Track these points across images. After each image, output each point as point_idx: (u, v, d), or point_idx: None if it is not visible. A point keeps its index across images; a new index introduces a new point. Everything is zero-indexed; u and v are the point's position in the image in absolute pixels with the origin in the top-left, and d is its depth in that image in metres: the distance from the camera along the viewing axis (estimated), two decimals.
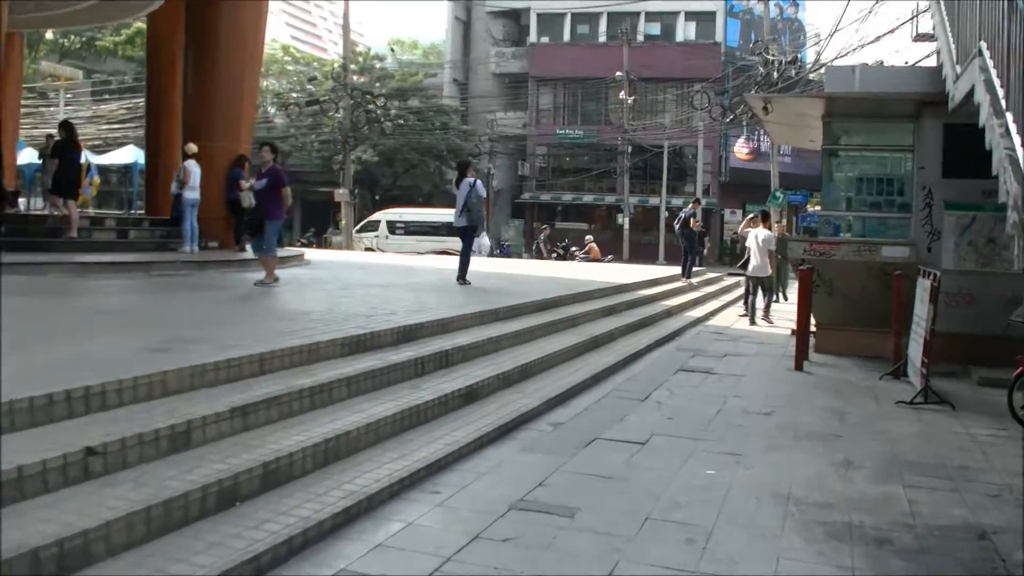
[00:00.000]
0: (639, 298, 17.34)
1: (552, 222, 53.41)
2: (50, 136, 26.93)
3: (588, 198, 56.85)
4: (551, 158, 60.06)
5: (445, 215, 43.58)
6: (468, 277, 15.68)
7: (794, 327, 15.61)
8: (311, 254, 24.57)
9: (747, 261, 18.00)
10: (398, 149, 52.37)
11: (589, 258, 37.43)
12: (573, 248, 42.92)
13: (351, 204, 44.21)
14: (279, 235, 24.76)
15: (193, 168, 17.99)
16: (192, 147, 18.12)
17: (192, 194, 17.94)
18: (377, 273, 18.19)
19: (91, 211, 34.03)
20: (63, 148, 16.93)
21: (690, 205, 23.25)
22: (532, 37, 59.20)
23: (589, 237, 40.52)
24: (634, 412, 8.88)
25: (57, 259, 14.17)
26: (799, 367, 12.12)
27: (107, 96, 53.24)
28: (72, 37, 62.15)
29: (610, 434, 7.88)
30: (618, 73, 49.95)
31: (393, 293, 13.19)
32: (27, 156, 36.01)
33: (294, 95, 52.36)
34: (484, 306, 11.68)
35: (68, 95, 43.35)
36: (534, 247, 37.39)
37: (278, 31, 78.43)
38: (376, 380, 7.66)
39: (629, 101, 50.52)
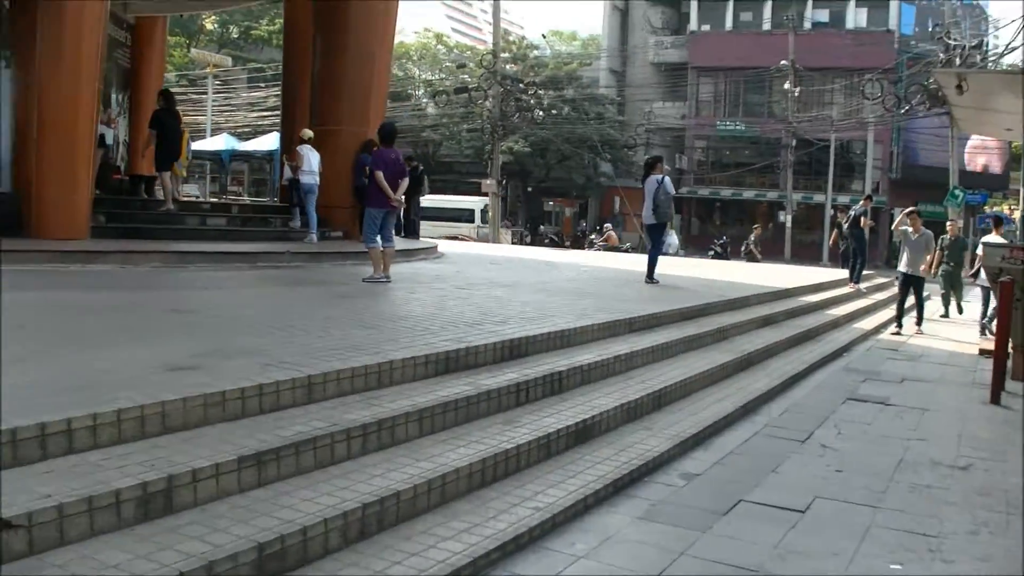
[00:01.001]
0: (802, 306, 15.31)
1: (758, 223, 51.15)
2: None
3: (748, 194, 54.34)
4: (710, 151, 57.75)
5: (456, 201, 42.65)
6: (656, 276, 14.99)
7: (982, 346, 13.53)
8: (451, 247, 23.23)
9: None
10: (551, 140, 50.78)
11: (607, 246, 35.12)
12: (592, 236, 40.85)
13: (499, 195, 42.84)
14: (413, 226, 23.75)
15: (306, 152, 16.96)
16: (307, 132, 17.12)
17: (308, 179, 16.93)
18: (509, 269, 16.65)
19: (216, 199, 33.68)
20: (162, 116, 15.98)
21: (861, 202, 20.96)
22: (692, 25, 56.96)
23: (608, 225, 39.08)
24: (791, 459, 7.01)
25: (157, 248, 13.03)
26: (995, 399, 9.93)
27: (261, 84, 53.17)
28: (231, 27, 62.66)
29: (759, 494, 6.01)
30: (783, 62, 47.34)
31: (517, 295, 11.61)
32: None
33: (445, 83, 51.28)
34: (616, 314, 9.98)
35: (217, 82, 43.15)
36: (743, 249, 35.07)
37: (436, 22, 77.79)
38: (460, 413, 6.02)
39: (795, 92, 47.90)
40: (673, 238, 16.12)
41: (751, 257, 33.01)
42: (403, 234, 23.07)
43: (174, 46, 54.46)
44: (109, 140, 18.08)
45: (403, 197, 12.15)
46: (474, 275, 14.64)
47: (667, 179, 14.97)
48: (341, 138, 17.59)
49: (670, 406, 7.98)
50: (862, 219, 20.16)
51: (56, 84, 13.05)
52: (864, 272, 21.01)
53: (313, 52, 18.93)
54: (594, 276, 16.24)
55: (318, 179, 17.07)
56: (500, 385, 6.53)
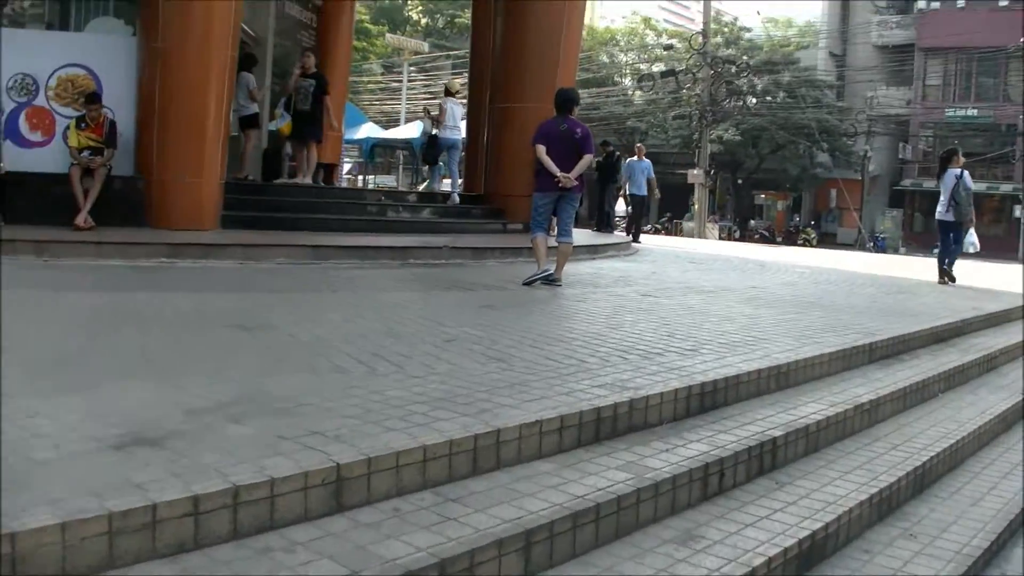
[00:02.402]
0: None
1: None
2: (427, 111, 24.67)
3: (979, 186, 49.43)
4: (937, 140, 52.96)
5: None
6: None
7: None
8: (653, 241, 20.83)
9: None
10: (764, 128, 47.36)
11: None
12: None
13: (706, 187, 39.96)
14: (607, 219, 21.39)
15: (450, 106, 16.17)
16: (454, 83, 15.79)
17: (450, 134, 16.19)
18: (712, 270, 14.12)
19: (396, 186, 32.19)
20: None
21: None
22: (921, 2, 52.27)
23: None
24: None
25: (288, 240, 11.15)
26: None
27: (464, 72, 51.67)
28: (438, 17, 61.65)
29: None
30: (1022, 40, 42.66)
31: (718, 305, 9.14)
32: (367, 131, 34.56)
33: (653, 68, 48.58)
34: (849, 335, 7.39)
35: (413, 69, 41.89)
36: None
37: (644, 6, 75.04)
38: (605, 525, 3.65)
39: None
40: (973, 236, 15.09)
41: None
42: (596, 227, 20.80)
43: (377, 35, 53.73)
44: (271, 122, 16.36)
45: (578, 179, 9.80)
46: (668, 277, 12.21)
47: (966, 174, 14.08)
48: (523, 116, 15.35)
49: (935, 486, 5.39)
50: None
51: (181, 53, 11.37)
52: None
53: (493, 27, 16.88)
54: (815, 279, 13.53)
55: (463, 134, 16.23)
56: (678, 469, 4.11)
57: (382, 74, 55.15)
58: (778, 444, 4.80)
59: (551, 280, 9.85)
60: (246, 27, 20.90)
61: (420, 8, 64.34)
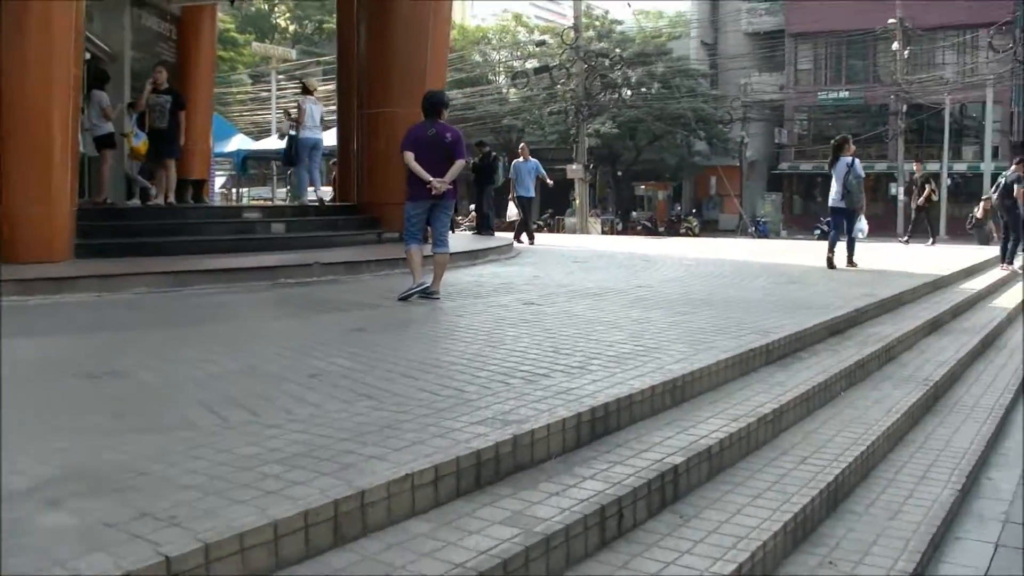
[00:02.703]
0: (965, 299, 12.16)
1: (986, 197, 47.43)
2: (287, 112, 24.16)
3: None
4: (812, 123, 53.85)
5: None
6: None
7: None
8: (536, 240, 20.42)
9: None
10: (641, 120, 47.43)
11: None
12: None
13: (586, 181, 39.78)
14: (486, 221, 20.87)
15: (309, 105, 16.00)
16: (312, 82, 15.75)
17: (310, 134, 16.07)
18: (597, 268, 13.71)
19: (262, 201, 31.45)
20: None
21: (1012, 167, 17.57)
22: None
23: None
24: None
25: (148, 267, 10.45)
26: None
27: (333, 78, 50.74)
28: (306, 23, 60.59)
29: None
30: (891, 20, 43.47)
31: (605, 311, 8.71)
32: (237, 143, 33.59)
33: (526, 66, 48.30)
34: (744, 336, 7.03)
35: (281, 76, 40.90)
36: (969, 222, 32.49)
37: (516, 4, 74.86)
38: None
39: (904, 53, 44.05)
40: (863, 223, 15.88)
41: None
42: (477, 230, 20.33)
43: (244, 44, 52.50)
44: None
45: (451, 184, 9.32)
46: (552, 280, 11.77)
47: (857, 161, 14.37)
48: (393, 121, 14.76)
49: (850, 500, 5.01)
50: (1016, 188, 16.88)
51: (20, 74, 10.52)
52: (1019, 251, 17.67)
53: (357, 30, 16.32)
54: (703, 272, 13.23)
55: (322, 135, 16.24)
56: (572, 516, 3.63)
57: (251, 84, 53.89)
58: (679, 472, 4.33)
59: (428, 294, 9.34)
60: (99, 42, 19.99)
61: (287, 15, 63.22)
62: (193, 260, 11.30)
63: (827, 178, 45.47)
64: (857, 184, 14.23)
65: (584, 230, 36.58)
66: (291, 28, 63.06)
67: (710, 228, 50.24)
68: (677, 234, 45.09)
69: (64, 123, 10.95)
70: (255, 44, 47.25)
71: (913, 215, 24.94)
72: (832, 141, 15.16)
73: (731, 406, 5.51)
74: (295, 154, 16.35)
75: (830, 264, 14.13)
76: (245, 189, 37.89)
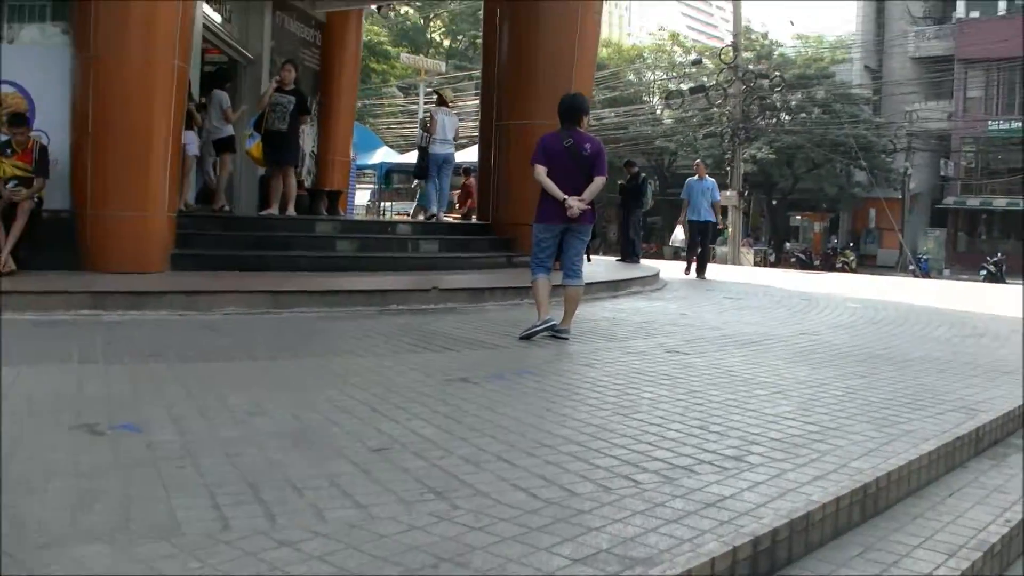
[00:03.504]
0: None
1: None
2: (423, 122, 23.51)
3: (1018, 202, 46.97)
4: (980, 155, 50.62)
5: None
6: None
7: None
8: (678, 271, 18.81)
9: None
10: (799, 146, 45.23)
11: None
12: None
13: (739, 209, 37.89)
14: (632, 248, 19.40)
15: (441, 117, 15.36)
16: (447, 92, 14.83)
17: (440, 149, 15.31)
18: (751, 307, 12.14)
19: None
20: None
21: None
22: (959, 12, 49.95)
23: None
24: None
25: (246, 285, 9.34)
26: None
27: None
28: (460, 38, 60.04)
29: None
30: None
31: (764, 366, 7.19)
32: (382, 155, 32.87)
33: (681, 85, 46.64)
34: (944, 413, 5.45)
35: (429, 89, 40.05)
36: None
37: (671, 21, 73.23)
38: None
39: None
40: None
41: None
42: (621, 258, 18.89)
43: (396, 56, 52.08)
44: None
45: (589, 206, 7.97)
46: (700, 320, 10.27)
47: None
48: (532, 134, 13.45)
49: None
50: None
51: (117, 62, 9.56)
52: None
53: (499, 33, 15.14)
54: (873, 318, 11.52)
55: (453, 150, 15.68)
56: None
57: (402, 97, 53.50)
58: None
59: (556, 332, 8.00)
60: (237, 44, 19.30)
61: (442, 30, 62.84)
62: (298, 279, 10.18)
63: (994, 213, 42.41)
64: None
65: (735, 261, 34.70)
66: (445, 43, 62.61)
67: (867, 263, 47.71)
68: (833, 268, 42.83)
69: (166, 118, 9.96)
70: (404, 55, 46.63)
71: None
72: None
73: (941, 527, 4.00)
74: (426, 168, 15.29)
75: None
76: (389, 203, 37.12)
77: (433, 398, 5.33)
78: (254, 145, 13.31)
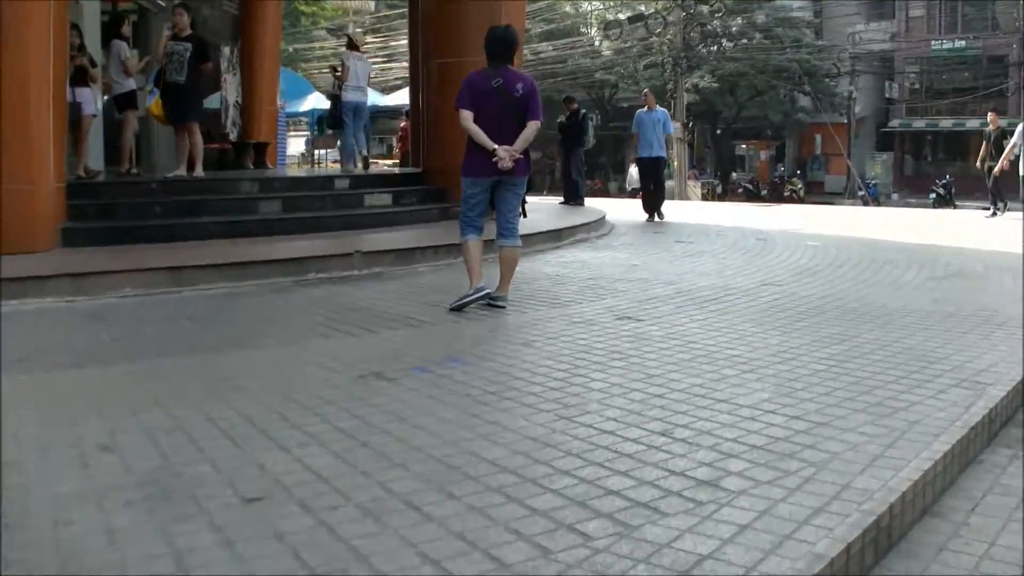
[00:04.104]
0: None
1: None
2: (333, 69, 22.40)
3: (973, 123, 46.38)
4: (925, 76, 49.92)
5: None
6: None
7: None
8: (631, 209, 17.87)
9: None
10: (742, 73, 44.16)
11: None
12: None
13: (684, 141, 36.93)
14: (575, 188, 18.40)
15: (353, 63, 14.30)
16: (359, 36, 14.30)
17: (352, 96, 14.27)
18: (708, 252, 11.25)
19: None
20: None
21: None
22: None
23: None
24: None
25: (140, 262, 8.31)
26: None
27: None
28: None
29: None
30: None
31: (728, 331, 6.33)
32: (313, 101, 31.61)
33: (619, 15, 45.33)
34: (943, 390, 4.61)
35: (359, 30, 38.54)
36: None
37: None
38: None
39: None
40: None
41: None
42: (564, 200, 17.93)
43: None
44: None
45: (523, 155, 7.02)
46: (653, 273, 9.36)
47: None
48: (463, 73, 12.42)
49: None
50: None
51: None
52: None
53: None
54: (835, 259, 10.68)
55: (367, 97, 14.89)
56: None
57: (335, 40, 51.75)
58: None
59: (492, 301, 7.08)
60: None
61: None
62: (206, 249, 9.12)
63: (945, 135, 41.81)
64: None
65: (683, 195, 33.77)
66: None
67: (815, 190, 47.08)
68: (782, 197, 42.14)
69: (42, 75, 8.79)
70: None
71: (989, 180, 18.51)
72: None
73: (975, 561, 3.14)
74: (339, 116, 14.26)
75: None
76: (323, 150, 35.85)
77: (337, 406, 4.37)
78: (153, 102, 12.15)
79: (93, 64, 11.61)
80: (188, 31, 11.49)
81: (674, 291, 8.13)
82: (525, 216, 7.73)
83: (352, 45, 15.01)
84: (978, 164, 18.69)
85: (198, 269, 8.11)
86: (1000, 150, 17.53)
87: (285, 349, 5.81)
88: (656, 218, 16.00)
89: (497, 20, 12.49)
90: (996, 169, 17.39)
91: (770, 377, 4.99)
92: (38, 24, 8.67)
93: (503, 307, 7.09)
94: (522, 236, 7.50)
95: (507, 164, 6.89)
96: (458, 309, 6.95)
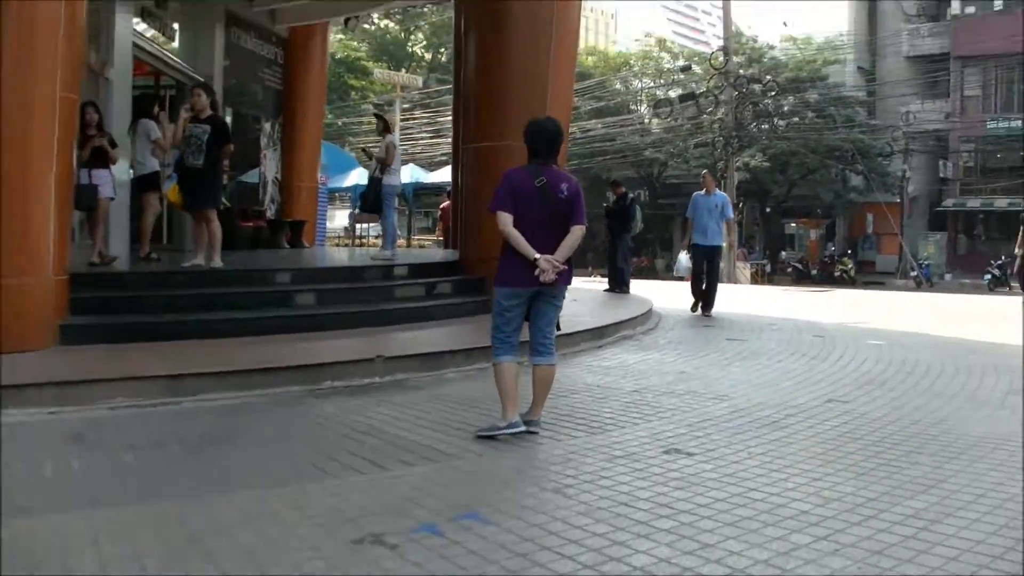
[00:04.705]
0: None
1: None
2: (363, 150, 21.98)
3: None
4: (980, 155, 48.75)
5: None
6: None
7: None
8: (679, 293, 17.04)
9: None
10: (793, 152, 43.37)
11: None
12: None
13: (734, 221, 36.05)
14: (621, 277, 17.53)
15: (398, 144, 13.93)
16: (394, 119, 13.01)
17: (396, 180, 13.89)
18: (763, 354, 10.35)
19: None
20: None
21: None
22: (954, 8, 48.01)
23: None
24: None
25: (147, 366, 7.56)
26: None
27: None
28: (443, 50, 58.17)
29: None
30: None
31: (798, 476, 5.45)
32: (356, 177, 31.15)
33: (670, 93, 44.78)
34: None
35: (406, 105, 38.27)
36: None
37: (656, 26, 71.56)
38: None
39: None
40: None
41: None
42: (609, 288, 17.11)
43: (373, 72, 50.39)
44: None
45: (565, 264, 6.22)
46: (703, 381, 8.46)
47: None
48: (505, 157, 11.48)
49: None
50: None
51: None
52: None
53: (464, 43, 13.45)
54: (903, 363, 9.74)
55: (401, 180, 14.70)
56: None
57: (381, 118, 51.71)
58: None
59: (527, 425, 6.24)
60: (182, 64, 17.55)
61: (423, 43, 60.99)
62: (211, 351, 8.33)
63: (999, 214, 40.66)
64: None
65: (732, 277, 32.81)
66: (427, 56, 60.71)
67: (866, 270, 46.00)
68: (832, 278, 41.15)
69: (47, 159, 8.14)
70: (378, 71, 44.75)
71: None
72: None
73: None
74: (380, 201, 13.57)
75: None
76: (365, 225, 35.37)
77: None
78: (171, 187, 11.49)
79: (113, 144, 10.99)
80: (208, 112, 10.82)
81: (728, 410, 7.24)
82: (560, 330, 6.88)
83: (387, 128, 14.37)
84: (1016, 250, 17.82)
85: (200, 377, 7.32)
86: None
87: (275, 493, 4.95)
88: (704, 313, 14.50)
89: (541, 102, 11.96)
90: None
91: (849, 548, 4.10)
92: (41, 111, 8.05)
93: (537, 432, 6.25)
94: (563, 335, 6.67)
95: (550, 276, 6.09)
96: (484, 435, 6.12)
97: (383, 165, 13.52)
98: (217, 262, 10.79)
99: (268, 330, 9.35)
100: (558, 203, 6.21)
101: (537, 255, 6.04)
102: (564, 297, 6.58)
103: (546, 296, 6.32)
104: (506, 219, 6.14)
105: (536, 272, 6.06)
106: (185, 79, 17.19)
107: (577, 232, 6.26)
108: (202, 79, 16.24)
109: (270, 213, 20.32)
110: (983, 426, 6.74)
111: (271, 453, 5.88)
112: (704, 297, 14.53)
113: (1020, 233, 17.07)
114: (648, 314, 13.34)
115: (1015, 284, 17.63)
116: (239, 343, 8.77)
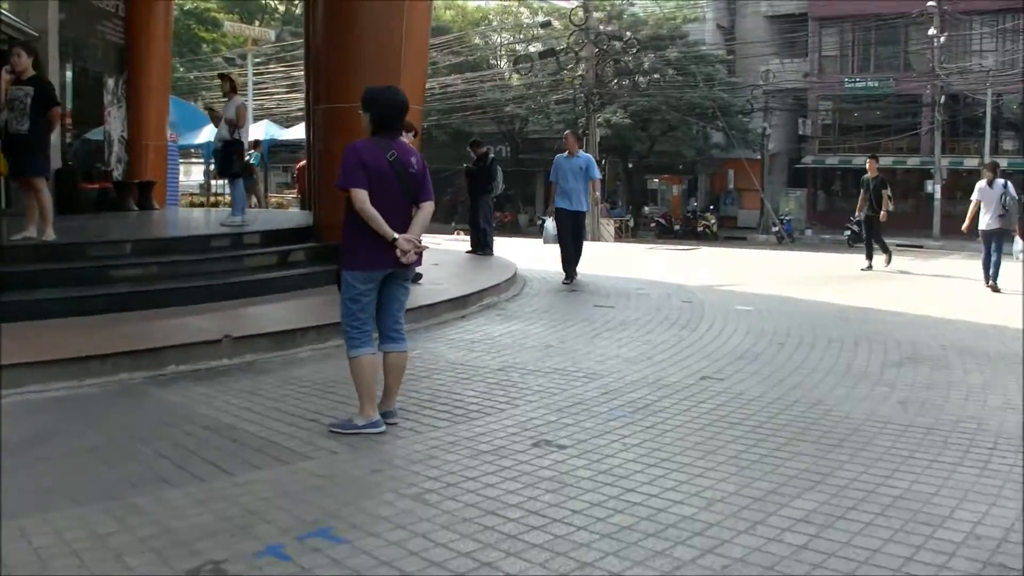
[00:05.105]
0: None
1: None
2: (210, 109, 20.89)
3: (885, 161, 46.19)
4: (838, 114, 49.82)
5: None
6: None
7: None
8: (544, 254, 16.69)
9: None
10: (655, 109, 43.51)
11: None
12: None
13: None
14: (484, 237, 17.08)
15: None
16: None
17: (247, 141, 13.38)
18: (632, 323, 10.06)
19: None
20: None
21: None
22: None
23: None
24: None
25: None
26: None
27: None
28: (296, 2, 56.55)
29: None
30: (929, 2, 39.56)
31: (672, 465, 5.19)
32: (208, 133, 29.90)
33: (530, 49, 44.40)
34: None
35: (259, 59, 36.98)
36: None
37: None
38: None
39: (940, 39, 40.13)
40: (1020, 244, 17.98)
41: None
42: (472, 250, 16.67)
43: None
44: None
45: (421, 239, 5.75)
46: (572, 359, 8.10)
47: (1010, 183, 14.55)
48: (357, 120, 10.93)
49: None
50: None
51: None
52: None
53: (313, 10, 12.84)
54: (774, 332, 9.59)
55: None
56: None
57: (236, 69, 50.12)
58: None
59: (385, 418, 5.78)
60: (12, 17, 16.37)
61: None
62: (39, 335, 7.61)
63: (856, 171, 41.72)
64: (1013, 204, 14.00)
65: (596, 234, 32.70)
66: (280, 8, 59.00)
67: (729, 225, 46.68)
68: (695, 233, 41.62)
69: None
70: (228, 24, 43.20)
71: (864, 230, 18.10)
72: (981, 164, 11.94)
73: None
74: (231, 163, 12.90)
75: (995, 290, 13.91)
76: (222, 182, 34.16)
77: None
78: None
79: None
80: (30, 73, 9.83)
81: (598, 390, 6.90)
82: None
83: (234, 88, 13.61)
84: (857, 213, 18.41)
85: (25, 368, 6.63)
86: (879, 199, 17.05)
87: (103, 510, 4.36)
88: (568, 281, 13.66)
89: (396, 60, 11.42)
90: (882, 216, 17.02)
91: (738, 562, 3.77)
92: None
93: (394, 423, 5.81)
94: (424, 306, 6.22)
95: (412, 257, 5.63)
96: (337, 430, 5.65)
97: (233, 126, 12.81)
98: (50, 234, 9.93)
99: (105, 309, 8.60)
100: (410, 178, 5.73)
101: (396, 235, 5.55)
102: (411, 278, 6.13)
103: (399, 278, 5.87)
104: (363, 196, 5.61)
105: (394, 252, 5.57)
106: (18, 35, 16.04)
107: (428, 208, 5.83)
108: (36, 33, 15.20)
109: (117, 174, 19.27)
110: (863, 405, 6.54)
111: (103, 457, 5.27)
112: (571, 263, 13.82)
113: (860, 195, 17.38)
114: (512, 279, 12.96)
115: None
116: (71, 324, 8.06)
